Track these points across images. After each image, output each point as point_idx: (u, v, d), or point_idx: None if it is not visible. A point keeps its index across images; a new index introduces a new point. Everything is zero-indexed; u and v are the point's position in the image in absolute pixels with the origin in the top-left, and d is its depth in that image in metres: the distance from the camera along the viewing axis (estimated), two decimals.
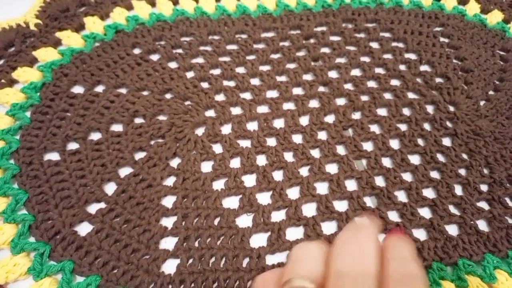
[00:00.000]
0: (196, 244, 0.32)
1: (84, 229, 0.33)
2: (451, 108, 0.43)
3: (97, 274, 0.30)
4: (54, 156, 0.36)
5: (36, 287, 0.29)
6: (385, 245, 0.22)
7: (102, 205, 0.34)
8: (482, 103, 0.44)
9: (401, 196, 0.37)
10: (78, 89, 0.41)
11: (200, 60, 0.44)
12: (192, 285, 0.30)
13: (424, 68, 0.46)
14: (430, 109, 0.43)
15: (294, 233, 0.34)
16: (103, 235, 0.32)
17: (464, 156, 0.39)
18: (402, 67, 0.46)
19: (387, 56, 0.47)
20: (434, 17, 0.51)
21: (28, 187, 0.34)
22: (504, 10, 0.53)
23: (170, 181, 0.36)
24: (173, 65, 0.43)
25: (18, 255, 0.31)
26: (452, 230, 0.35)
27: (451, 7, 0.53)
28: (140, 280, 0.30)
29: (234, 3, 0.49)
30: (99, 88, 0.41)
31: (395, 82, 0.45)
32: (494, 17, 0.52)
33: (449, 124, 0.42)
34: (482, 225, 0.36)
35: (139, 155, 0.37)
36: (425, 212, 0.36)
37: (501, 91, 0.45)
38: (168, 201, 0.34)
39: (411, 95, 0.44)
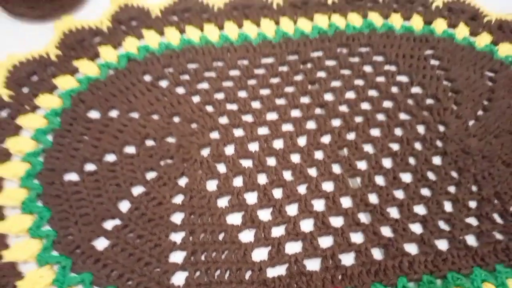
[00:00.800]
0: (203, 258, 0.35)
1: (101, 244, 0.35)
2: (441, 128, 0.45)
3: (114, 285, 0.33)
4: (73, 177, 0.39)
5: None
6: None
7: (117, 221, 0.37)
8: (471, 122, 0.46)
9: (393, 212, 0.39)
10: (94, 114, 0.44)
11: (205, 85, 0.47)
12: None
13: (415, 89, 0.49)
14: (421, 129, 0.45)
15: (293, 247, 0.36)
16: (118, 250, 0.35)
17: (454, 174, 0.42)
18: (394, 89, 0.48)
19: (380, 78, 0.49)
20: (425, 40, 0.54)
21: (51, 205, 0.37)
22: (492, 32, 0.56)
23: (178, 199, 0.38)
24: (180, 90, 0.47)
25: (43, 267, 0.34)
26: (442, 244, 0.37)
27: (441, 30, 0.55)
28: None
29: (236, 32, 0.52)
30: (113, 113, 0.44)
31: (387, 104, 0.47)
32: (483, 40, 0.55)
33: (439, 143, 0.44)
34: (471, 240, 0.38)
35: (150, 175, 0.40)
36: (416, 228, 0.38)
37: (490, 110, 0.47)
38: (177, 218, 0.37)
39: (402, 116, 0.46)
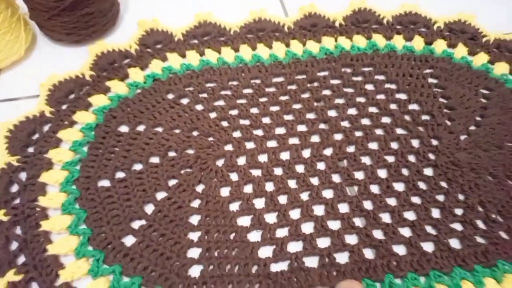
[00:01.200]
0: (216, 254, 0.41)
1: (129, 240, 0.42)
2: (434, 142, 0.50)
3: (140, 276, 0.39)
4: (106, 183, 0.46)
5: (94, 284, 0.39)
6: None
7: (143, 222, 0.43)
8: (462, 137, 0.51)
9: (385, 217, 0.44)
10: (124, 129, 0.50)
11: (221, 102, 0.54)
12: (212, 286, 0.39)
13: (412, 106, 0.54)
14: (415, 143, 0.50)
15: (294, 246, 0.42)
16: (144, 246, 0.41)
17: (443, 184, 0.47)
18: (393, 106, 0.54)
19: (380, 96, 0.55)
20: (425, 60, 0.59)
21: (87, 207, 0.43)
22: (490, 52, 0.61)
23: (195, 204, 0.45)
24: (199, 107, 0.53)
25: (80, 260, 0.40)
26: (428, 246, 0.42)
27: (441, 50, 0.60)
28: (172, 281, 0.39)
29: (250, 53, 0.59)
30: (141, 128, 0.51)
31: (386, 120, 0.52)
32: (480, 59, 0.59)
33: (431, 156, 0.49)
34: (454, 243, 0.43)
35: (172, 182, 0.46)
36: (405, 231, 0.43)
37: (481, 126, 0.52)
38: (194, 220, 0.43)
39: (399, 131, 0.51)
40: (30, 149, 0.48)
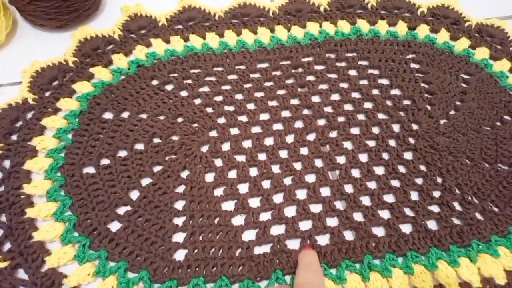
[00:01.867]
0: (200, 238, 0.42)
1: (115, 226, 0.43)
2: (415, 126, 0.52)
3: (125, 260, 0.40)
4: (91, 170, 0.46)
5: (80, 269, 0.39)
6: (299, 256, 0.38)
7: (128, 208, 0.44)
8: (442, 121, 0.52)
9: (365, 200, 0.46)
10: (108, 115, 0.51)
11: (206, 89, 0.54)
12: (197, 269, 0.40)
13: (394, 92, 0.55)
14: (396, 127, 0.52)
15: (277, 229, 0.43)
16: (129, 231, 0.42)
17: (422, 167, 0.48)
18: (375, 92, 0.55)
19: (363, 82, 0.56)
20: (407, 45, 0.60)
21: (72, 194, 0.44)
22: (471, 37, 0.62)
23: (180, 189, 0.45)
24: (184, 93, 0.53)
25: (66, 246, 0.41)
26: (406, 228, 0.44)
27: (424, 35, 0.61)
28: (157, 265, 0.40)
29: (235, 39, 0.59)
30: (125, 114, 0.51)
31: (368, 105, 0.53)
32: (461, 44, 0.61)
33: (411, 140, 0.50)
34: (431, 224, 0.45)
35: (157, 168, 0.47)
36: (384, 214, 0.45)
37: (460, 111, 0.53)
38: (179, 205, 0.44)
39: (380, 116, 0.53)
40: (14, 137, 0.48)
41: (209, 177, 0.47)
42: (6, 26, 0.56)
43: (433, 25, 0.63)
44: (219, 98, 0.53)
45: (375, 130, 0.51)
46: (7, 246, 0.41)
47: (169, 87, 0.54)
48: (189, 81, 0.55)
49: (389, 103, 0.54)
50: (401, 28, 0.62)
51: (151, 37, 0.59)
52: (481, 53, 0.60)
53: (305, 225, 0.44)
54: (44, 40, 0.59)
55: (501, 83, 0.57)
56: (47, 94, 0.52)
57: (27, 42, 0.58)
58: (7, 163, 0.46)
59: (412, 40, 0.61)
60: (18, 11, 0.58)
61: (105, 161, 0.47)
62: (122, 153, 0.48)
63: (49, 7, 0.55)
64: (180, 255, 0.41)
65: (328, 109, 0.53)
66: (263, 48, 0.58)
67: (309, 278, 0.37)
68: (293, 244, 0.42)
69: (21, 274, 0.39)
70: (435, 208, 0.45)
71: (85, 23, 0.61)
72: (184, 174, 0.47)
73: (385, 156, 0.49)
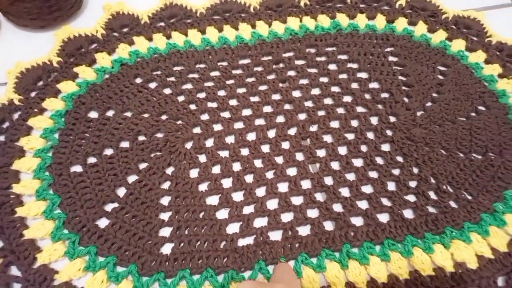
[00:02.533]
0: (186, 232, 0.44)
1: (103, 223, 0.45)
2: (392, 119, 0.54)
3: (114, 255, 0.42)
4: (78, 168, 0.48)
5: (71, 265, 0.41)
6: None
7: (116, 204, 0.46)
8: (419, 113, 0.55)
9: (344, 192, 0.48)
10: (93, 114, 0.52)
11: (189, 86, 0.56)
12: (183, 261, 0.42)
13: (372, 85, 0.57)
14: (374, 120, 0.54)
15: (260, 222, 0.45)
16: (117, 227, 0.44)
17: (399, 158, 0.51)
18: (354, 85, 0.57)
19: (343, 76, 0.58)
20: (386, 39, 0.62)
21: (60, 192, 0.46)
22: (448, 29, 0.64)
23: (166, 185, 0.47)
24: (167, 91, 0.55)
25: (57, 242, 0.43)
26: (383, 217, 0.46)
27: (402, 28, 0.63)
28: (145, 259, 0.42)
29: (217, 35, 0.61)
30: (110, 113, 0.52)
31: (347, 99, 0.56)
32: (439, 36, 0.63)
33: (388, 132, 0.53)
34: (408, 213, 0.47)
35: (142, 166, 0.49)
36: (363, 204, 0.47)
37: (437, 102, 0.56)
38: (165, 201, 0.46)
39: (359, 109, 0.55)
40: (1, 138, 0.50)
41: (194, 173, 0.48)
42: None
43: (411, 18, 0.65)
44: (202, 95, 0.55)
45: (354, 123, 0.53)
46: None
47: (152, 85, 0.56)
48: (172, 79, 0.56)
49: (367, 96, 0.56)
50: (380, 22, 0.64)
51: (133, 35, 0.60)
52: (458, 45, 0.62)
53: (287, 217, 0.46)
54: (27, 40, 0.60)
55: (476, 74, 0.59)
56: (33, 94, 0.54)
57: (10, 42, 0.59)
58: None
59: (390, 33, 0.63)
60: (0, 12, 0.59)
61: (92, 160, 0.49)
62: (108, 151, 0.50)
63: (32, 7, 0.56)
64: (167, 249, 0.43)
65: (309, 103, 0.55)
66: (245, 44, 0.60)
67: (286, 276, 0.39)
68: (275, 235, 0.45)
69: (14, 271, 0.41)
70: (411, 198, 0.48)
71: (67, 22, 0.62)
72: (169, 170, 0.49)
73: (364, 148, 0.51)
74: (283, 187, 0.48)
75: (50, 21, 0.60)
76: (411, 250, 0.44)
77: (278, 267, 0.37)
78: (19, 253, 0.42)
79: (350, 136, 0.52)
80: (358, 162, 0.50)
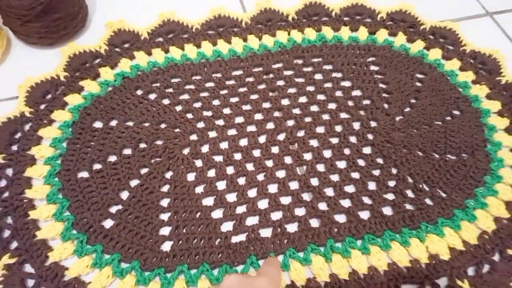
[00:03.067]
0: (184, 231, 0.47)
1: (108, 223, 0.47)
2: (373, 124, 0.57)
3: (119, 253, 0.45)
4: (84, 174, 0.51)
5: (79, 262, 0.44)
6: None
7: (120, 207, 0.48)
8: (398, 118, 0.57)
9: (329, 191, 0.51)
10: (98, 124, 0.55)
11: (186, 96, 0.58)
12: (181, 257, 0.45)
13: (355, 93, 0.60)
14: (356, 125, 0.56)
15: (251, 220, 0.48)
16: (121, 227, 0.47)
17: (379, 160, 0.53)
18: (338, 93, 0.60)
19: (328, 84, 0.60)
20: (368, 49, 0.65)
21: (69, 196, 0.49)
22: (426, 39, 0.67)
23: (165, 188, 0.50)
24: (166, 101, 0.58)
25: (66, 242, 0.45)
26: (364, 214, 0.49)
27: (383, 39, 0.66)
28: (147, 256, 0.45)
29: (211, 49, 0.63)
30: (113, 123, 0.55)
31: (332, 106, 0.58)
32: (417, 46, 0.66)
33: (369, 136, 0.55)
34: (387, 210, 0.50)
35: (143, 171, 0.51)
36: (345, 203, 0.50)
37: (414, 108, 0.58)
38: (164, 202, 0.49)
39: (343, 115, 0.57)
40: (14, 147, 0.52)
41: (191, 177, 0.51)
42: (1, 45, 0.60)
43: (392, 29, 0.68)
44: (198, 105, 0.58)
45: (338, 128, 0.56)
46: (14, 244, 0.45)
47: (152, 96, 0.58)
48: (171, 90, 0.59)
49: (350, 103, 0.59)
50: (362, 33, 0.67)
51: (134, 50, 0.63)
52: (434, 54, 0.65)
53: (276, 215, 0.49)
54: (36, 57, 0.62)
55: (452, 81, 0.62)
56: (42, 107, 0.56)
57: (20, 59, 0.62)
58: (9, 172, 0.50)
59: (372, 44, 0.65)
60: (11, 31, 0.62)
61: (97, 166, 0.52)
62: (112, 158, 0.52)
63: (40, 27, 0.59)
64: (166, 246, 0.46)
65: (296, 110, 0.58)
66: (237, 56, 0.63)
67: (270, 270, 0.41)
68: (265, 232, 0.47)
69: (28, 268, 0.44)
70: (390, 196, 0.50)
71: (73, 39, 0.64)
72: (168, 174, 0.51)
73: (347, 151, 0.54)
74: (272, 188, 0.51)
75: (57, 38, 0.62)
76: (389, 244, 0.47)
77: (267, 261, 0.39)
78: (33, 252, 0.44)
79: (334, 140, 0.55)
80: (341, 164, 0.53)
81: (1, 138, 0.52)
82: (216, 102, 0.58)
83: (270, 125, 0.56)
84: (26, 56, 0.63)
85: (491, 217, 0.49)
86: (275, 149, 0.54)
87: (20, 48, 0.63)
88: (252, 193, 0.50)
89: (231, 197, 0.50)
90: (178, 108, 0.57)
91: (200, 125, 0.56)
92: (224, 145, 0.54)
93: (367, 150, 0.54)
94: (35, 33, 0.60)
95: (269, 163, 0.53)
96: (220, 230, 0.47)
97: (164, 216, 0.48)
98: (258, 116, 0.57)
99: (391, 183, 0.51)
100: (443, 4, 0.73)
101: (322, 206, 0.49)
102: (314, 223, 0.48)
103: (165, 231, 0.47)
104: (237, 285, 0.31)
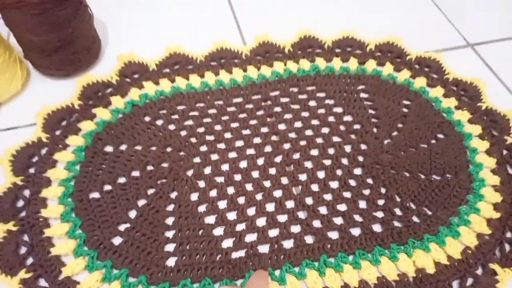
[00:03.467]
0: (187, 247, 0.49)
1: (117, 240, 0.49)
2: (363, 147, 0.59)
3: (127, 268, 0.47)
4: (96, 195, 0.53)
5: (90, 277, 0.46)
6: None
7: (128, 225, 0.50)
8: (386, 141, 0.60)
9: (322, 210, 0.53)
10: (109, 149, 0.57)
11: (190, 122, 0.61)
12: (185, 272, 0.47)
13: (346, 118, 0.62)
14: (347, 148, 0.59)
15: (250, 237, 0.50)
16: (129, 244, 0.49)
17: (369, 180, 0.55)
18: (331, 118, 0.62)
19: (321, 110, 0.63)
20: (358, 78, 0.68)
21: (81, 215, 0.51)
22: (411, 68, 0.70)
23: (170, 208, 0.52)
24: (171, 127, 0.60)
25: (78, 258, 0.47)
26: (356, 231, 0.51)
27: (371, 69, 0.69)
28: (153, 271, 0.47)
29: (214, 79, 0.67)
30: (123, 147, 0.58)
31: (325, 130, 0.61)
32: (403, 75, 0.69)
33: (360, 158, 0.58)
34: (376, 227, 0.51)
35: (150, 191, 0.54)
36: (338, 220, 0.52)
37: (401, 132, 0.61)
38: (169, 221, 0.51)
39: (335, 139, 0.60)
40: (31, 170, 0.55)
41: (194, 196, 0.53)
42: (22, 77, 0.63)
43: (380, 60, 0.71)
44: (201, 130, 0.60)
45: (331, 151, 0.58)
46: (30, 260, 0.47)
47: (159, 122, 0.61)
48: (176, 116, 0.62)
49: (342, 127, 0.61)
50: (353, 64, 0.70)
51: (143, 80, 0.66)
52: (420, 82, 0.68)
53: (273, 232, 0.50)
54: (53, 87, 0.66)
55: (436, 107, 0.64)
56: (58, 132, 0.59)
57: (39, 89, 0.65)
58: (27, 192, 0.53)
59: (361, 74, 0.68)
60: (31, 63, 0.66)
61: (107, 187, 0.54)
62: (121, 180, 0.55)
63: (58, 60, 0.62)
64: (171, 261, 0.48)
65: (292, 135, 0.60)
66: (237, 85, 0.66)
67: (258, 282, 0.42)
68: (263, 248, 0.49)
69: (42, 283, 0.46)
70: (379, 214, 0.52)
71: (87, 70, 0.68)
72: (173, 195, 0.53)
73: (339, 172, 0.56)
74: (270, 207, 0.53)
75: (73, 70, 0.66)
76: (379, 259, 0.48)
77: (256, 273, 0.41)
78: (47, 267, 0.46)
79: (327, 162, 0.57)
80: (334, 184, 0.55)
81: (19, 162, 0.55)
82: (218, 127, 0.61)
83: (268, 148, 0.59)
84: (43, 86, 0.66)
85: (473, 233, 0.51)
86: (272, 171, 0.56)
87: (39, 79, 0.67)
88: (251, 211, 0.52)
89: (232, 216, 0.52)
90: (183, 133, 0.60)
91: (203, 148, 0.58)
92: (225, 167, 0.56)
93: (357, 171, 0.57)
94: (52, 65, 0.64)
95: (267, 184, 0.55)
96: (221, 246, 0.49)
97: (169, 234, 0.50)
98: (257, 140, 0.59)
99: (380, 202, 0.53)
100: (428, 36, 0.77)
101: (316, 223, 0.51)
102: (309, 239, 0.50)
103: (170, 247, 0.49)
104: None
